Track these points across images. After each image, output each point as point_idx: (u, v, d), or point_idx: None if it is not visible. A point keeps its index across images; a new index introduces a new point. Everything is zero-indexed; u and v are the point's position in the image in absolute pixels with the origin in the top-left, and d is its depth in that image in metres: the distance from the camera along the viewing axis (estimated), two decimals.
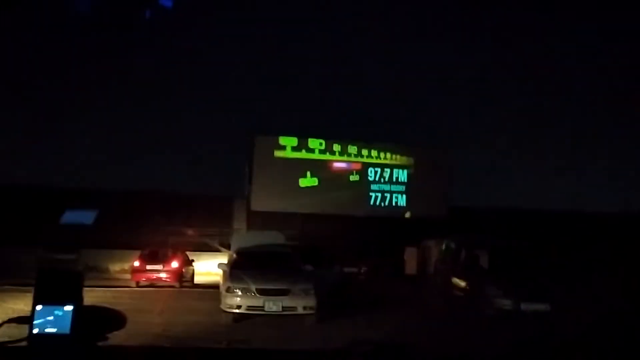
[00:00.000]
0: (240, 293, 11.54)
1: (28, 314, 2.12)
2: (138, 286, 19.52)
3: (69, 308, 2.06)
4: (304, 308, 11.55)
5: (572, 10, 53.19)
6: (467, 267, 14.84)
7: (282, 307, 11.45)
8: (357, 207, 32.49)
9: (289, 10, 52.54)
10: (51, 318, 2.02)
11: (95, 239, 25.63)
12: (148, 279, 19.88)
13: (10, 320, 2.22)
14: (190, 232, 28.47)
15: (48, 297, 2.06)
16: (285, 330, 10.97)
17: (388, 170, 33.59)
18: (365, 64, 56.31)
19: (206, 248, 26.90)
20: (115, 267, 26.57)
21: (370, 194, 33.39)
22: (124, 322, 2.57)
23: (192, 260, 23.17)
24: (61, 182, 30.82)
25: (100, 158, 43.87)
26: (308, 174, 32.64)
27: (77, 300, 2.08)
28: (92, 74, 44.85)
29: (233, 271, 12.60)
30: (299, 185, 32.48)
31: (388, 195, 33.52)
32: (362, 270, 25.70)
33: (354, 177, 33.37)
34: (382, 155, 33.68)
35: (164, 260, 20.44)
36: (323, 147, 33.02)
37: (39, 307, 2.05)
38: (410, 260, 27.33)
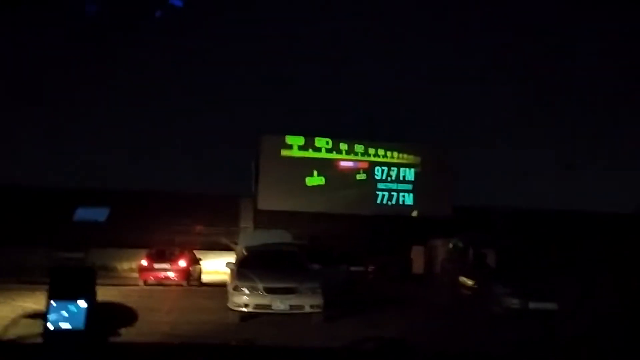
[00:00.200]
0: (247, 292, 11.56)
1: (38, 311, 2.16)
2: (146, 285, 19.59)
3: (83, 304, 2.10)
4: (311, 307, 11.56)
5: (576, 8, 52.99)
6: (475, 266, 14.85)
7: (290, 305, 11.47)
8: (364, 206, 32.50)
9: (295, 10, 52.58)
10: (65, 314, 2.05)
11: (103, 238, 25.76)
12: (156, 278, 19.94)
13: (24, 317, 2.26)
14: (197, 231, 28.55)
15: (62, 293, 2.10)
16: (293, 329, 10.99)
17: (395, 169, 33.57)
18: (371, 63, 56.26)
19: (214, 247, 26.96)
20: (123, 266, 26.69)
21: (377, 192, 33.38)
22: (135, 319, 2.61)
23: (200, 259, 23.23)
24: (69, 182, 30.97)
25: (108, 158, 44.07)
26: (315, 172, 32.67)
27: (90, 296, 2.12)
28: (101, 74, 45.02)
29: (240, 270, 12.63)
30: (305, 184, 32.51)
31: (395, 194, 33.50)
32: (369, 269, 25.69)
33: (360, 176, 33.36)
34: (388, 154, 33.67)
35: (171, 259, 20.50)
36: (330, 146, 33.04)
37: (53, 303, 2.09)
38: (417, 259, 27.33)
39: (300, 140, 32.74)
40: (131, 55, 48.60)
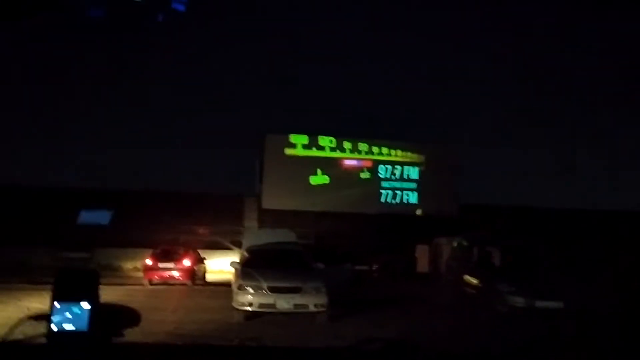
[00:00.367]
0: (252, 291, 11.55)
1: (44, 312, 2.16)
2: (151, 284, 19.60)
3: (86, 306, 2.09)
4: (316, 306, 11.54)
5: (576, 7, 52.85)
6: (480, 264, 14.81)
7: (294, 305, 11.45)
8: (368, 204, 32.48)
9: (299, 9, 52.53)
10: (69, 316, 2.05)
11: (108, 238, 25.82)
12: (160, 277, 19.95)
13: (29, 318, 2.27)
14: (201, 230, 28.59)
15: (66, 295, 2.10)
16: (297, 328, 10.98)
17: (399, 167, 33.53)
18: (375, 62, 56.20)
19: (218, 246, 27.01)
20: (128, 265, 26.75)
21: (381, 191, 33.35)
22: (138, 320, 2.61)
23: (204, 259, 23.25)
24: (74, 182, 31.05)
25: (113, 158, 44.15)
26: (319, 171, 32.66)
27: (94, 298, 2.12)
28: (104, 74, 45.13)
29: (245, 269, 12.62)
30: (309, 183, 32.51)
31: (399, 192, 33.47)
32: (373, 268, 25.69)
33: (364, 175, 33.35)
34: (392, 152, 33.63)
35: (176, 258, 20.50)
36: (334, 144, 33.03)
37: (57, 305, 2.09)
38: (422, 257, 27.26)
39: (304, 139, 32.73)
40: (135, 55, 48.71)
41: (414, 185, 33.58)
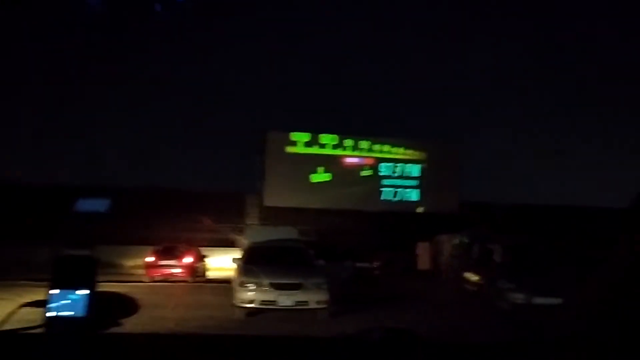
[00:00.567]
0: (253, 287, 11.57)
1: (40, 300, 2.18)
2: (152, 281, 19.64)
3: (83, 292, 2.11)
4: (317, 302, 11.56)
5: (577, 7, 52.82)
6: (480, 261, 14.83)
7: (295, 301, 11.48)
8: (370, 202, 32.52)
9: (300, 7, 52.52)
10: (66, 302, 2.07)
11: (109, 235, 25.76)
12: (162, 274, 20.00)
13: (27, 304, 2.28)
14: (205, 221, 28.59)
15: (64, 281, 2.12)
16: (298, 325, 11.01)
17: (400, 165, 33.57)
18: (377, 60, 56.13)
19: (220, 243, 27.02)
20: (129, 262, 26.75)
21: (383, 189, 33.39)
22: (136, 309, 2.62)
23: (205, 256, 23.29)
24: (75, 179, 31.08)
25: (114, 155, 44.14)
26: (320, 169, 32.70)
27: (91, 285, 2.13)
28: (106, 71, 45.13)
29: (246, 266, 12.64)
30: (311, 181, 32.55)
31: (400, 190, 33.51)
32: (374, 265, 25.70)
33: (366, 172, 33.38)
34: (394, 150, 33.66)
35: (177, 255, 20.58)
36: (335, 142, 33.06)
37: (55, 291, 2.11)
38: (423, 255, 27.31)
39: (305, 136, 32.76)
40: (136, 53, 48.72)
41: (415, 182, 33.62)
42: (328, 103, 52.67)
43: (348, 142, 33.22)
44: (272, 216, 29.38)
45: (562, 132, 51.92)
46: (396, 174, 33.48)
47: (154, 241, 22.45)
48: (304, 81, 58.21)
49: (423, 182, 33.43)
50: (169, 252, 20.71)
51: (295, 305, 11.52)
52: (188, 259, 20.58)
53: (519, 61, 52.97)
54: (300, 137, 32.71)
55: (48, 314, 2.08)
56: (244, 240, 15.82)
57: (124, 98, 50.58)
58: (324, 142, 32.91)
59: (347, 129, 34.38)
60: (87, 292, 2.10)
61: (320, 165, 32.66)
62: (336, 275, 13.87)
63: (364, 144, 33.43)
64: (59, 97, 46.12)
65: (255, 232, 20.03)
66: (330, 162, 32.80)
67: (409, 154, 33.78)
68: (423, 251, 27.44)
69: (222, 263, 23.13)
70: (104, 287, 2.16)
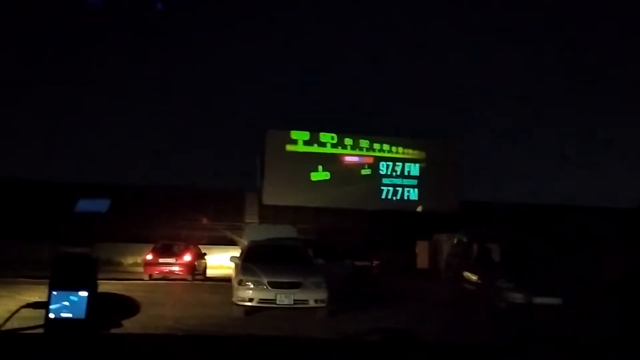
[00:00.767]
0: (252, 286, 11.55)
1: (40, 301, 2.18)
2: (151, 279, 19.64)
3: (84, 294, 2.11)
4: (316, 301, 11.55)
5: (578, 6, 52.85)
6: (479, 260, 14.79)
7: (294, 300, 11.46)
8: (369, 201, 32.52)
9: (300, 7, 52.45)
10: (67, 303, 2.07)
11: (108, 232, 25.84)
12: (161, 272, 19.99)
13: (27, 305, 2.28)
14: (204, 221, 28.59)
15: (64, 283, 2.11)
16: (297, 324, 11.01)
17: (400, 164, 33.60)
18: (377, 59, 56.14)
19: (219, 241, 27.02)
20: (128, 260, 26.79)
21: (382, 187, 33.41)
22: (137, 310, 2.62)
23: (205, 254, 23.29)
24: (75, 177, 31.13)
25: (114, 153, 44.21)
26: (320, 168, 32.71)
27: (91, 286, 2.13)
28: (107, 69, 45.17)
29: (245, 264, 12.63)
30: (310, 179, 32.56)
31: (400, 189, 33.53)
32: (373, 264, 25.72)
33: (365, 171, 33.40)
34: (393, 149, 33.68)
35: (176, 253, 20.56)
36: (335, 141, 33.07)
37: (55, 293, 2.10)
38: (422, 254, 27.34)
39: (305, 135, 32.77)
40: (137, 52, 48.70)
41: (414, 181, 33.64)
42: (328, 102, 52.73)
43: (348, 141, 33.24)
44: (271, 214, 29.40)
45: (562, 132, 52.02)
46: (396, 173, 33.50)
47: (153, 239, 22.45)
48: (304, 80, 58.24)
49: (422, 181, 33.45)
50: (168, 249, 20.70)
51: (294, 304, 11.50)
52: (187, 257, 20.56)
53: (519, 61, 52.99)
54: (300, 135, 32.73)
55: (49, 316, 2.08)
56: (244, 239, 15.78)
57: (124, 97, 50.63)
58: (323, 141, 32.94)
59: (347, 128, 34.46)
60: (88, 293, 2.10)
61: (319, 164, 32.66)
62: (335, 274, 13.85)
63: (363, 143, 33.44)
64: (59, 95, 46.15)
65: (254, 231, 19.99)
66: (330, 161, 32.82)
67: (409, 153, 33.80)
68: (422, 250, 27.47)
69: (221, 261, 23.16)
70: (104, 286, 2.16)
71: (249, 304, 11.48)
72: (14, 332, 2.16)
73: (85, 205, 24.85)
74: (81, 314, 2.03)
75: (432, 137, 35.56)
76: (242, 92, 51.57)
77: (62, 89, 50.07)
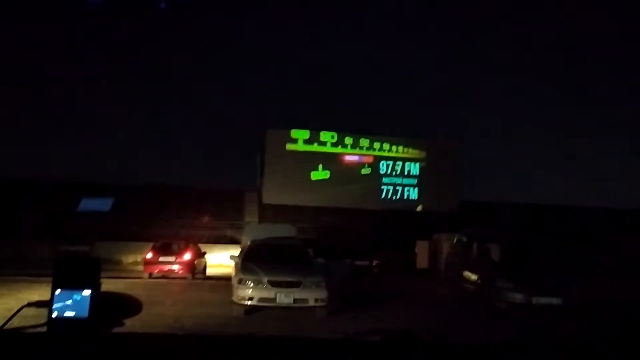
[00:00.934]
0: (252, 285, 11.55)
1: (43, 300, 2.19)
2: (150, 278, 19.64)
3: (86, 293, 2.12)
4: (316, 300, 11.55)
5: (578, 6, 52.85)
6: (479, 260, 14.80)
7: (294, 299, 11.45)
8: (369, 200, 32.50)
9: (300, 6, 52.46)
10: (70, 302, 2.08)
11: (108, 231, 25.86)
12: (160, 271, 19.98)
13: (29, 304, 2.29)
14: (204, 219, 28.61)
15: (67, 282, 2.12)
16: (297, 323, 11.01)
17: (400, 163, 33.56)
18: (377, 58, 56.14)
19: (219, 240, 27.04)
20: (128, 259, 26.79)
21: (382, 187, 33.38)
22: (139, 309, 2.63)
23: (205, 253, 23.28)
24: (75, 176, 31.09)
25: (115, 152, 44.20)
26: (320, 167, 32.68)
27: (94, 285, 2.14)
28: (107, 68, 45.15)
29: (245, 263, 12.62)
30: (310, 178, 32.53)
31: (400, 188, 33.50)
32: (373, 264, 25.73)
33: (365, 170, 33.37)
34: (394, 148, 33.65)
35: (176, 252, 20.54)
36: (335, 140, 33.04)
37: (58, 292, 2.11)
38: (422, 253, 27.32)
39: (305, 134, 32.73)
40: (138, 52, 48.69)
41: (414, 181, 33.61)
42: (328, 101, 52.73)
43: (348, 140, 33.20)
44: (271, 214, 29.38)
45: (562, 132, 52.00)
46: (396, 173, 33.48)
47: (153, 238, 22.44)
48: (304, 79, 58.22)
49: (422, 181, 33.43)
50: (168, 248, 20.68)
51: (294, 303, 11.49)
52: (187, 256, 20.54)
53: (519, 61, 52.96)
54: (300, 134, 32.69)
55: (52, 315, 2.09)
56: (245, 238, 15.77)
57: (124, 96, 50.61)
58: (323, 140, 32.90)
59: (347, 127, 34.41)
60: (90, 292, 2.11)
61: (319, 163, 32.64)
62: (335, 274, 13.86)
63: (363, 142, 33.41)
64: (60, 93, 46.13)
65: (254, 230, 19.94)
66: (330, 160, 32.79)
67: (409, 152, 33.78)
68: (422, 250, 27.46)
69: (221, 260, 23.15)
70: (104, 284, 2.17)
71: (249, 303, 11.47)
72: (17, 331, 2.17)
73: (88, 204, 24.90)
74: (84, 313, 2.04)
75: (432, 137, 35.54)
76: (242, 92, 51.55)
77: (62, 89, 50.07)
